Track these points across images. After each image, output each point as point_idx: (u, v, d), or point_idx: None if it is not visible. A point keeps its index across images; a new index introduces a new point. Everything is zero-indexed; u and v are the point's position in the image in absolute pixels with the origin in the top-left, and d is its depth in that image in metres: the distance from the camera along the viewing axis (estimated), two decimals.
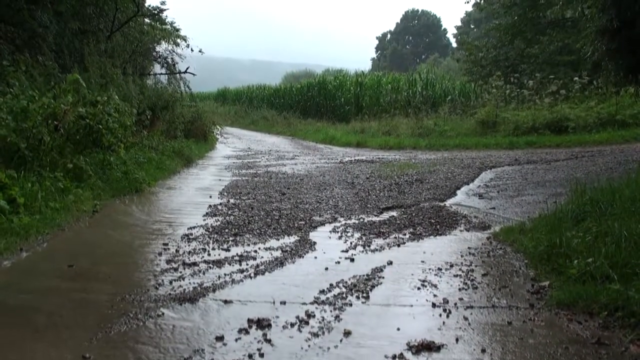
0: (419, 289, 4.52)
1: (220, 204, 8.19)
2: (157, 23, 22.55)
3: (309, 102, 35.15)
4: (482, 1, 28.55)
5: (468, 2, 32.07)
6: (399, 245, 5.91)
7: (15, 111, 7.48)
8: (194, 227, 6.52)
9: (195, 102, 21.26)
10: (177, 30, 22.95)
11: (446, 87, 29.27)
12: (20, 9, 11.80)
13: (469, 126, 20.98)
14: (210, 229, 6.42)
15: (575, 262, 4.69)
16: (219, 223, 6.78)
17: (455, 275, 4.85)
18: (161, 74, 19.63)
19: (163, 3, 22.42)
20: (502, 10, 26.38)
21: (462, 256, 5.48)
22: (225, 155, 16.84)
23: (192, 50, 19.83)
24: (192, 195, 9.14)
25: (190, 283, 4.49)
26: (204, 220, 7.00)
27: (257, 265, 5.01)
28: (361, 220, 7.17)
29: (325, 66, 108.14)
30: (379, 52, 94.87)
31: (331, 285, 4.49)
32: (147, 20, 21.66)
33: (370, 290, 4.44)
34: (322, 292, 4.34)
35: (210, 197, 8.86)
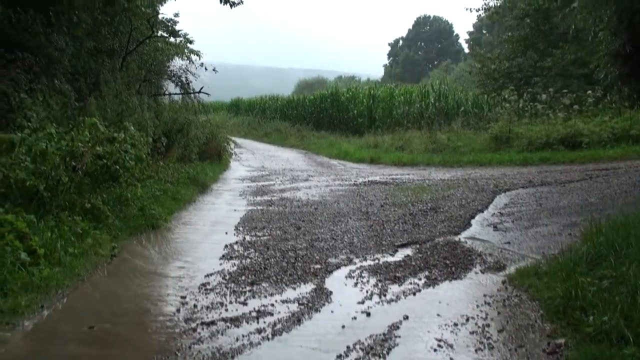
0: (435, 350, 4.55)
1: (236, 242, 8.25)
2: (170, 35, 22.74)
3: (322, 114, 35.25)
4: (493, 13, 28.52)
5: (479, 12, 32.15)
6: (414, 294, 5.94)
7: (34, 153, 7.58)
8: (211, 274, 6.58)
9: (210, 120, 21.38)
10: (190, 42, 23.13)
11: (459, 99, 29.26)
12: (37, 33, 11.95)
13: (483, 141, 20.97)
14: (227, 277, 6.48)
15: (591, 319, 4.71)
16: (235, 268, 6.84)
17: (472, 332, 4.88)
18: (175, 93, 19.79)
19: (176, 15, 22.60)
20: (514, 23, 26.41)
21: (477, 307, 5.50)
22: (239, 177, 16.92)
23: (205, 68, 19.98)
24: (208, 231, 9.21)
25: (208, 347, 4.54)
26: (221, 264, 7.06)
27: (275, 324, 5.05)
28: (376, 261, 7.21)
29: (338, 72, 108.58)
30: (391, 58, 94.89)
31: (348, 348, 4.53)
32: (160, 33, 21.85)
33: (387, 353, 4.48)
34: (339, 357, 4.39)
35: (226, 233, 8.92)
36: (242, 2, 17.19)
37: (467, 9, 29.68)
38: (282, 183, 15.21)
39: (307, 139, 30.75)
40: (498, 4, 28.13)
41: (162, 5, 19.47)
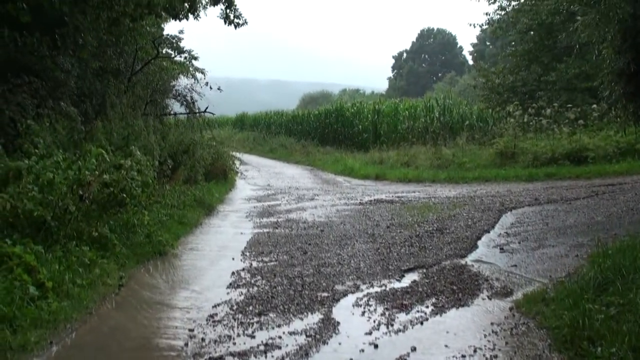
0: None
1: (243, 269, 8.26)
2: (175, 52, 22.85)
3: (327, 129, 35.31)
4: (496, 28, 28.56)
5: (482, 28, 32.18)
6: (422, 323, 5.94)
7: (42, 182, 7.63)
8: (218, 305, 6.58)
9: (215, 138, 21.44)
10: (195, 58, 23.24)
11: (464, 112, 29.28)
12: (43, 56, 12.02)
13: (488, 157, 20.99)
14: (235, 307, 6.48)
15: (599, 350, 4.71)
16: (242, 297, 6.85)
17: None
18: (181, 113, 19.85)
19: (181, 32, 22.70)
20: (518, 37, 26.45)
21: (485, 336, 5.50)
22: (245, 197, 16.95)
23: (210, 87, 20.03)
24: (215, 257, 9.22)
25: None
26: (228, 293, 7.06)
27: (283, 358, 5.06)
28: (383, 288, 7.21)
29: (342, 85, 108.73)
30: (395, 71, 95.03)
31: None
32: (165, 50, 21.95)
33: None
34: None
35: (233, 259, 8.94)
36: (246, 22, 17.30)
37: (470, 25, 29.72)
38: (288, 203, 15.23)
39: (313, 155, 30.79)
40: (501, 18, 28.14)
41: (166, 23, 19.56)
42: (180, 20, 16.84)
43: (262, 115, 48.54)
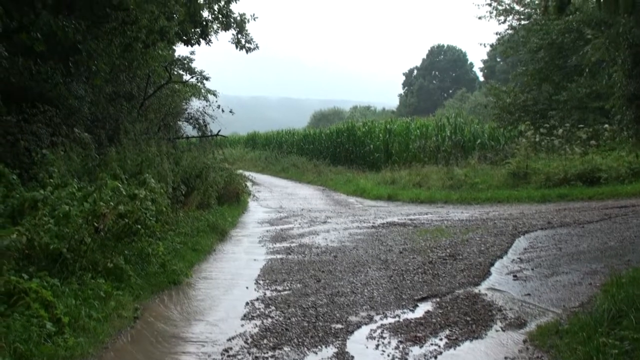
0: None
1: (257, 298, 8.29)
2: (187, 73, 23.08)
3: (339, 148, 35.41)
4: (507, 48, 28.64)
5: (493, 46, 32.27)
6: (435, 357, 5.94)
7: (57, 215, 7.71)
8: (233, 338, 6.61)
9: (227, 159, 21.58)
10: (206, 78, 23.46)
11: (475, 131, 29.30)
12: (57, 84, 12.15)
13: (500, 177, 20.95)
14: (249, 340, 6.51)
15: None
16: (257, 330, 6.87)
17: None
18: (193, 137, 20.01)
19: (192, 53, 22.96)
20: (528, 56, 26.49)
21: None
22: (258, 220, 16.99)
23: (222, 110, 20.19)
24: (229, 286, 9.25)
25: None
26: (242, 325, 7.09)
27: None
28: (397, 319, 7.22)
29: (353, 102, 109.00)
30: (405, 87, 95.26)
31: None
32: (177, 71, 22.18)
33: None
34: None
35: (247, 288, 8.97)
36: (257, 47, 17.57)
37: (480, 44, 29.81)
38: (301, 226, 15.26)
39: (324, 175, 30.85)
40: (511, 37, 28.22)
41: (178, 45, 19.83)
42: (192, 46, 17.08)
43: (274, 134, 48.76)
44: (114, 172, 10.42)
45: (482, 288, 8.57)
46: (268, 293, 8.63)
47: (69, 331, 5.99)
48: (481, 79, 79.44)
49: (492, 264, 9.92)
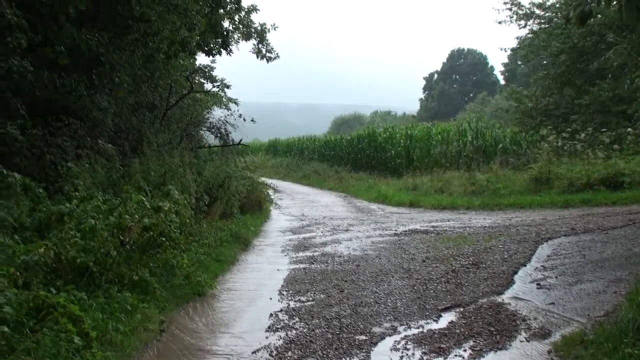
0: None
1: (281, 310, 8.35)
2: (208, 81, 23.22)
3: (360, 154, 35.43)
4: (528, 52, 28.50)
5: (513, 50, 32.12)
6: None
7: (84, 229, 7.81)
8: (257, 350, 6.67)
9: (248, 166, 21.70)
10: (227, 86, 23.59)
11: (497, 135, 29.15)
12: (81, 96, 12.29)
13: (522, 182, 20.84)
14: (274, 353, 6.55)
15: None
16: (281, 342, 6.92)
17: None
18: (215, 146, 20.12)
19: (213, 61, 23.11)
20: (549, 60, 26.33)
21: None
22: (280, 228, 17.07)
23: (244, 119, 20.27)
24: (252, 297, 9.31)
25: None
26: (267, 337, 7.15)
27: None
28: (420, 329, 7.24)
29: (374, 107, 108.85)
30: (426, 92, 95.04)
31: None
32: (198, 79, 22.33)
33: None
34: None
35: (271, 299, 9.03)
36: (278, 56, 17.68)
37: (501, 49, 29.64)
38: (323, 234, 15.31)
39: (346, 181, 30.91)
40: (531, 42, 28.08)
41: (199, 55, 19.97)
42: (213, 56, 17.21)
43: (295, 140, 48.90)
44: (138, 184, 10.53)
45: (506, 297, 8.56)
46: (292, 304, 8.68)
47: (97, 345, 6.07)
48: (502, 82, 78.95)
49: (515, 272, 9.90)
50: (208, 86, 23.23)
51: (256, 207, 18.53)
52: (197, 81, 22.02)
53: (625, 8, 6.69)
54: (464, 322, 7.46)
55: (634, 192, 17.42)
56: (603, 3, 7.61)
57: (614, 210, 15.64)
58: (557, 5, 26.62)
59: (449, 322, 7.48)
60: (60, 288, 6.82)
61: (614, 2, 7.47)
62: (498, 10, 27.55)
